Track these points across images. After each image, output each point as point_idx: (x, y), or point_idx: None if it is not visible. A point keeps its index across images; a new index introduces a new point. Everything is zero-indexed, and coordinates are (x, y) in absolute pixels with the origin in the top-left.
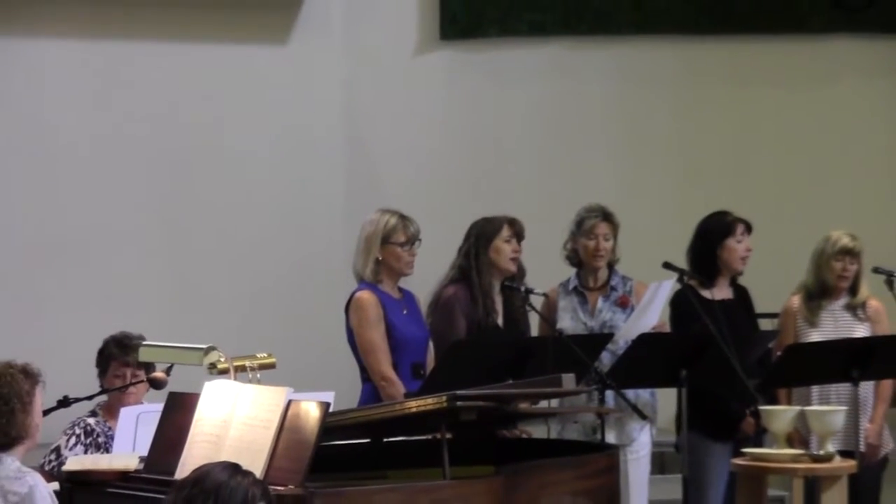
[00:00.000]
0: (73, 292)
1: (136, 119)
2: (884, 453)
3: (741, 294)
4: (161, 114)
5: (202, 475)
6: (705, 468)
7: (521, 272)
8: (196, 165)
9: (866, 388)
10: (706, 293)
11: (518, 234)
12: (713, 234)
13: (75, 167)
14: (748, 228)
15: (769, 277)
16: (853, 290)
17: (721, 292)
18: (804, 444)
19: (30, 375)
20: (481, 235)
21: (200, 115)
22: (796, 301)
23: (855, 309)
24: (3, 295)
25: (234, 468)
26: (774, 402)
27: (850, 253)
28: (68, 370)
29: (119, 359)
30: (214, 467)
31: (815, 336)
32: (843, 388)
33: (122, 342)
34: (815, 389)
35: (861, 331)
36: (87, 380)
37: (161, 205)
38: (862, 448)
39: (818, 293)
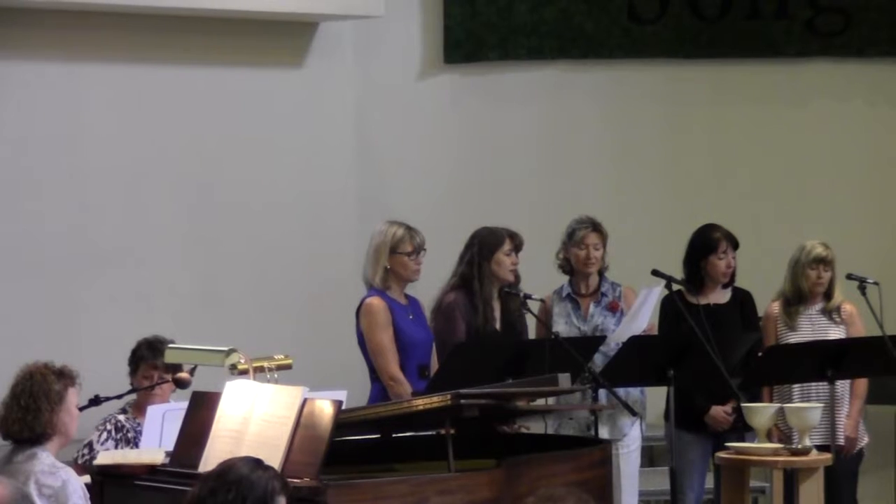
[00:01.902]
0: (106, 299)
1: (162, 138)
2: (860, 446)
3: (740, 298)
4: (184, 133)
5: (226, 469)
6: (681, 458)
7: (517, 280)
8: (217, 182)
9: (843, 386)
10: (692, 298)
11: (517, 247)
12: (699, 248)
13: (109, 182)
14: (734, 245)
15: (749, 284)
16: (828, 295)
17: (712, 297)
18: (787, 438)
19: (64, 376)
20: (484, 246)
21: (221, 134)
22: (776, 307)
23: (830, 313)
24: (44, 300)
25: (255, 462)
26: (758, 399)
27: (824, 261)
28: (101, 370)
29: (149, 361)
30: (238, 461)
31: (794, 339)
32: (822, 386)
33: (153, 345)
34: (797, 387)
35: (836, 333)
36: (118, 379)
37: (186, 219)
38: (840, 442)
39: (795, 299)
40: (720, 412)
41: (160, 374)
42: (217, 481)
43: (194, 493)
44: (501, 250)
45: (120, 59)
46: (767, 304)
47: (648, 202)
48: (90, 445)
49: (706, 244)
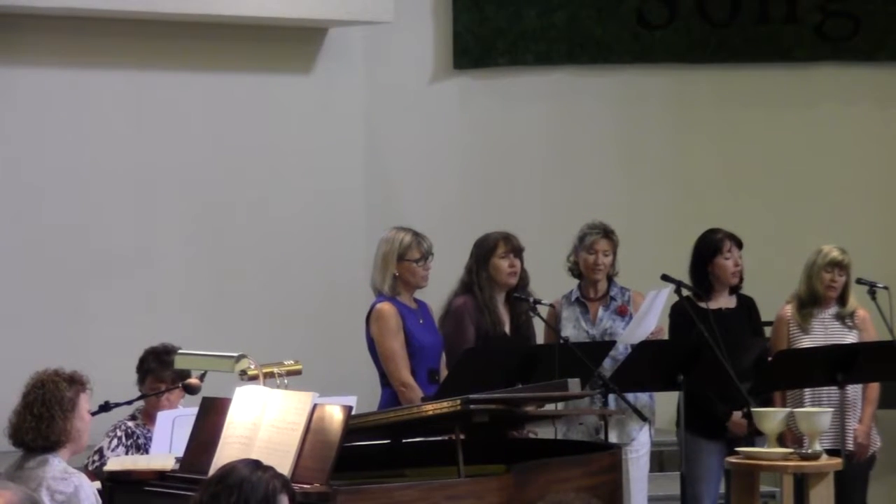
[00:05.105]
0: (115, 304)
1: (170, 145)
2: (872, 451)
3: (745, 303)
4: (192, 140)
5: (226, 472)
6: (697, 465)
7: (525, 281)
8: (226, 188)
9: (855, 390)
10: (702, 303)
11: (514, 249)
12: (704, 252)
13: (119, 190)
14: (738, 244)
15: (758, 287)
16: (842, 300)
17: (720, 302)
18: (798, 442)
19: (75, 383)
20: (479, 253)
21: (230, 140)
22: (789, 309)
23: (844, 318)
24: (53, 306)
25: (255, 464)
26: (770, 404)
27: (839, 265)
28: (110, 376)
29: (155, 374)
30: (237, 464)
31: (806, 342)
32: (834, 391)
33: (160, 357)
34: (808, 392)
35: (849, 338)
36: (127, 385)
37: (196, 225)
38: (850, 447)
39: (809, 302)
40: (739, 417)
41: (167, 386)
42: (219, 485)
43: (197, 499)
44: (496, 255)
45: (129, 64)
46: (777, 306)
47: (657, 206)
48: (100, 452)
49: (710, 247)
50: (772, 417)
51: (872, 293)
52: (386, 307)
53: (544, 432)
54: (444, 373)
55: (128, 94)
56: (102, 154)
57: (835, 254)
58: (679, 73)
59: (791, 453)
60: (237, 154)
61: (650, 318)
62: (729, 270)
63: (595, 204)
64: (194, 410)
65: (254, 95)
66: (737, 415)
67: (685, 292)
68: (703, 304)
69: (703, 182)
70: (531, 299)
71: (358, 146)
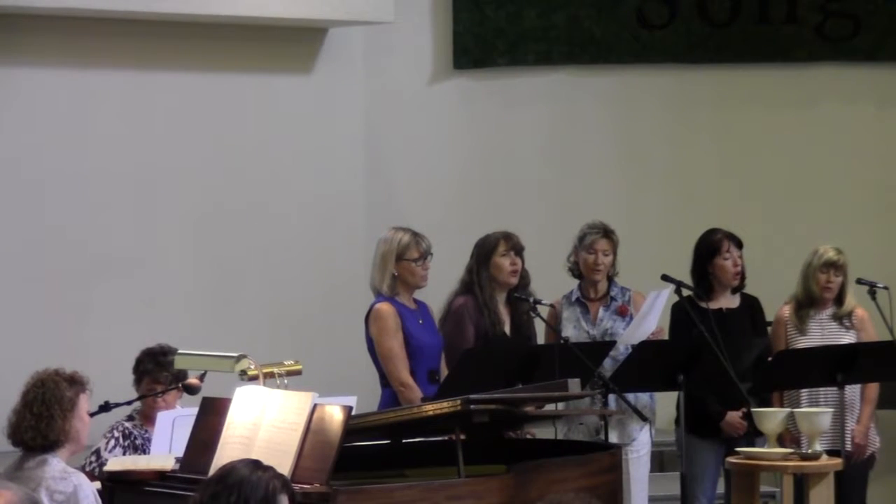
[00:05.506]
0: (114, 305)
1: (171, 144)
2: (871, 451)
3: (749, 303)
4: (193, 139)
5: (226, 472)
6: (693, 464)
7: (526, 280)
8: (226, 188)
9: (853, 390)
10: (702, 303)
11: (515, 247)
12: (704, 252)
13: (119, 190)
14: (737, 244)
15: (758, 288)
16: (839, 300)
17: (722, 302)
18: (796, 443)
19: (75, 383)
20: (480, 252)
21: (230, 141)
22: (787, 310)
23: (841, 318)
24: (52, 306)
25: (255, 464)
26: (768, 404)
27: (835, 266)
28: (109, 376)
29: (152, 375)
30: (237, 464)
31: (804, 343)
32: (831, 391)
33: (157, 358)
34: (805, 392)
35: (847, 339)
36: (127, 385)
37: (195, 225)
38: (848, 447)
39: (806, 303)
40: (736, 418)
41: (164, 387)
42: (218, 485)
43: (197, 499)
44: (497, 253)
45: (129, 65)
46: (776, 307)
47: (657, 206)
48: (97, 453)
49: (709, 247)
50: (772, 417)
51: (872, 293)
52: (384, 307)
53: (544, 432)
54: (444, 373)
55: (128, 94)
56: (102, 154)
57: (830, 254)
58: (679, 73)
59: (791, 453)
60: (237, 154)
61: (651, 318)
62: (729, 271)
63: (594, 203)
64: (194, 411)
65: (254, 95)
66: (731, 415)
67: (685, 292)
68: (703, 304)
69: (703, 182)
70: (531, 299)
71: (358, 146)
